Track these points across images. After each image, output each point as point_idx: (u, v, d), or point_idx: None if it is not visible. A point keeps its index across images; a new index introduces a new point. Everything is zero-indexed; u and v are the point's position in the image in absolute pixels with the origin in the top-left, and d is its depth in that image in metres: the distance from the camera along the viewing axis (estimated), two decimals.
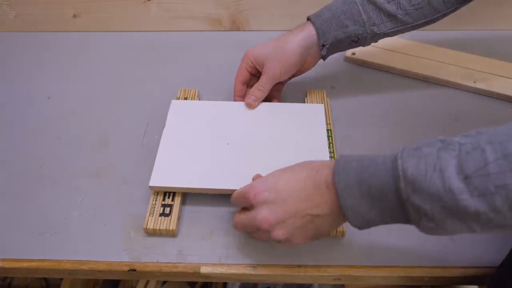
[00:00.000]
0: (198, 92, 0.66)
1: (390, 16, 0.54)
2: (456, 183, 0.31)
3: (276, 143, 0.55)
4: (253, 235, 0.47)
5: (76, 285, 0.77)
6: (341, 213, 0.37)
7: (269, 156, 0.53)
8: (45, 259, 0.48)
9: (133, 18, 0.79)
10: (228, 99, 0.62)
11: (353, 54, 0.71)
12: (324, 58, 0.59)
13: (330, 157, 0.55)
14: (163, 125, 0.57)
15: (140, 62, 0.74)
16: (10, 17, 0.80)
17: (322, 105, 0.60)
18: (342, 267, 0.47)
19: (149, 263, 0.48)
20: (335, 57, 0.73)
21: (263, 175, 0.51)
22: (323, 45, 0.56)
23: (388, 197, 0.34)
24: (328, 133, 0.57)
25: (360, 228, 0.37)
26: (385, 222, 0.36)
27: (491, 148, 0.30)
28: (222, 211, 0.52)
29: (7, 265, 0.48)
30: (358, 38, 0.56)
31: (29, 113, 0.66)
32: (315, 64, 0.60)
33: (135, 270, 0.47)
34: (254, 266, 0.47)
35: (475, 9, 0.75)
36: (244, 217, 0.43)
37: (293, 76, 0.61)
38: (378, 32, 0.55)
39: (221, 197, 0.52)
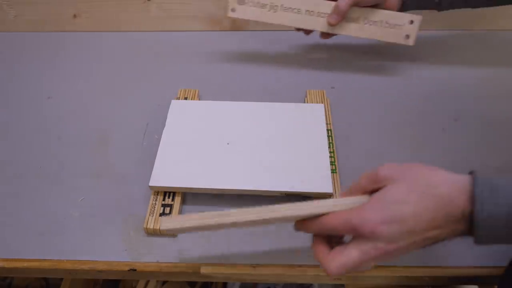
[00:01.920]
0: (198, 92, 0.66)
1: None
2: None
3: (276, 143, 0.55)
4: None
5: (76, 285, 0.77)
6: (468, 234, 0.33)
7: (269, 156, 0.53)
8: (45, 259, 0.48)
9: (133, 18, 0.79)
10: (228, 99, 0.62)
11: (233, 10, 0.65)
12: (404, 6, 0.58)
13: (330, 157, 0.55)
14: (163, 125, 0.57)
15: (140, 62, 0.74)
16: (10, 17, 0.80)
17: (322, 105, 0.60)
18: None
19: (149, 263, 0.48)
20: (335, 57, 0.73)
21: (263, 174, 0.51)
22: None
23: None
24: (328, 133, 0.57)
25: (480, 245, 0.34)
26: None
27: None
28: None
29: (7, 265, 0.48)
30: None
31: (29, 113, 0.66)
32: (396, 8, 0.61)
33: (135, 270, 0.47)
34: (254, 266, 0.47)
35: (475, 9, 0.75)
36: (353, 254, 0.35)
37: (375, 6, 0.61)
38: None
39: (221, 197, 0.52)
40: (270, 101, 0.61)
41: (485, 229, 0.32)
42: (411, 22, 0.61)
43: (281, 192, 0.50)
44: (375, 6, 0.61)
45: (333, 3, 0.61)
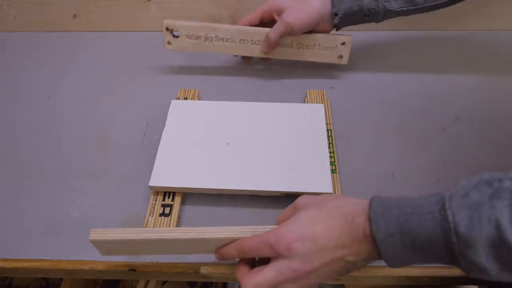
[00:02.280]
0: (198, 92, 0.66)
1: None
2: None
3: (276, 143, 0.55)
4: None
5: (76, 285, 0.77)
6: (378, 257, 0.35)
7: (269, 156, 0.53)
8: (45, 259, 0.48)
9: (133, 18, 0.79)
10: (228, 99, 0.62)
11: (169, 43, 0.66)
12: (336, 28, 0.60)
13: (330, 157, 0.55)
14: (163, 125, 0.57)
15: (140, 62, 0.74)
16: (10, 17, 0.80)
17: (322, 105, 0.60)
18: None
19: (149, 263, 0.48)
20: None
21: (263, 174, 0.51)
22: (336, 14, 0.58)
23: (435, 247, 0.32)
24: (328, 133, 0.57)
25: (396, 268, 0.36)
26: (427, 263, 0.35)
27: None
28: (222, 211, 0.52)
29: (7, 265, 0.48)
30: (371, 12, 0.57)
31: (29, 113, 0.66)
32: (329, 31, 0.62)
33: (135, 270, 0.47)
34: None
35: (474, 9, 0.75)
36: (269, 273, 0.37)
37: (307, 32, 0.63)
38: (390, 8, 0.57)
39: (221, 197, 0.52)
40: (270, 101, 0.61)
41: (388, 249, 0.34)
42: (343, 43, 0.64)
43: (281, 192, 0.50)
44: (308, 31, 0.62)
45: (266, 30, 0.62)
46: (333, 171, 0.54)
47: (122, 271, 0.48)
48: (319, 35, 0.63)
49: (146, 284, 0.86)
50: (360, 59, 0.72)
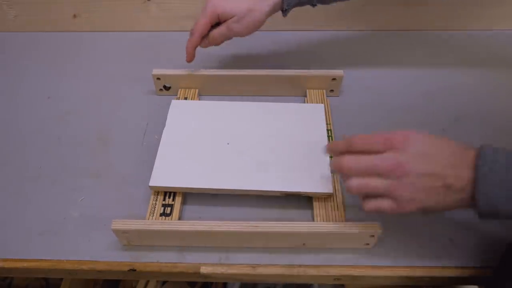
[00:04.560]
0: (198, 92, 0.66)
1: None
2: None
3: (276, 143, 0.55)
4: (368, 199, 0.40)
5: (76, 285, 0.77)
6: (470, 197, 0.36)
7: (269, 156, 0.53)
8: (45, 259, 0.48)
9: (133, 18, 0.79)
10: (228, 99, 0.62)
11: (161, 90, 0.67)
12: (285, 16, 0.60)
13: (330, 157, 0.55)
14: (163, 125, 0.57)
15: (140, 62, 0.74)
16: (10, 17, 0.80)
17: (322, 105, 0.60)
18: (342, 267, 0.47)
19: (149, 263, 0.48)
20: (335, 58, 0.73)
21: (264, 174, 0.51)
22: (286, 9, 0.58)
23: None
24: (328, 133, 0.57)
25: (482, 217, 0.36)
26: None
27: None
28: (222, 211, 0.52)
29: (7, 265, 0.48)
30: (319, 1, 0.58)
31: (29, 113, 0.66)
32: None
33: (135, 270, 0.47)
34: (254, 266, 0.47)
35: (475, 9, 0.75)
36: (374, 158, 0.38)
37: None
38: None
39: (221, 197, 0.52)
40: (270, 101, 0.61)
41: (487, 184, 0.35)
42: (334, 79, 0.64)
43: (281, 192, 0.50)
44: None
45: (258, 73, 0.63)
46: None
47: (122, 271, 0.48)
48: (310, 74, 0.63)
49: (146, 284, 0.86)
50: (360, 59, 0.72)
